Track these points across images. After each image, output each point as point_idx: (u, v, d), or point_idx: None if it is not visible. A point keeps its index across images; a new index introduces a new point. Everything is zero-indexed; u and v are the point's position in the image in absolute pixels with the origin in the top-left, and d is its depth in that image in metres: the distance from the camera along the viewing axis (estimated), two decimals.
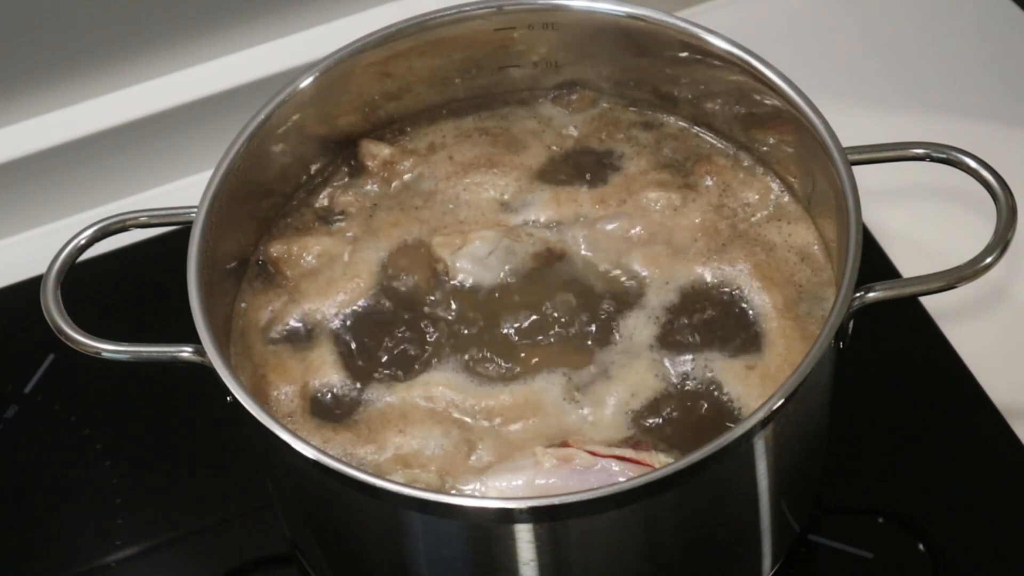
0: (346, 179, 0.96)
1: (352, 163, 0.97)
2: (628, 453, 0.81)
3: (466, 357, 0.87)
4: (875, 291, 0.82)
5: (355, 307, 0.90)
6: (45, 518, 0.98)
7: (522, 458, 0.82)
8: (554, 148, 0.96)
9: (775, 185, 0.94)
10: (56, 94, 1.11)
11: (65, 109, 1.12)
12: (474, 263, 0.90)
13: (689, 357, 0.86)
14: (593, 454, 0.81)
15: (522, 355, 0.87)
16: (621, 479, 0.78)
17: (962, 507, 0.94)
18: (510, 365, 0.87)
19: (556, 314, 0.88)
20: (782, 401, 0.76)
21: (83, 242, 0.88)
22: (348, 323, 0.89)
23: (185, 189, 1.14)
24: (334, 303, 0.90)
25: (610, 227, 0.92)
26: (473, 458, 0.83)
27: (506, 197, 0.94)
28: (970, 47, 1.18)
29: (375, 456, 0.84)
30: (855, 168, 0.85)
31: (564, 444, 0.82)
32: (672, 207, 0.92)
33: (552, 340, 0.88)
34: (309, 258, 0.92)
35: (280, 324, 0.90)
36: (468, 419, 0.85)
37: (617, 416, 0.84)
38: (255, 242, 0.93)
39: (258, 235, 0.94)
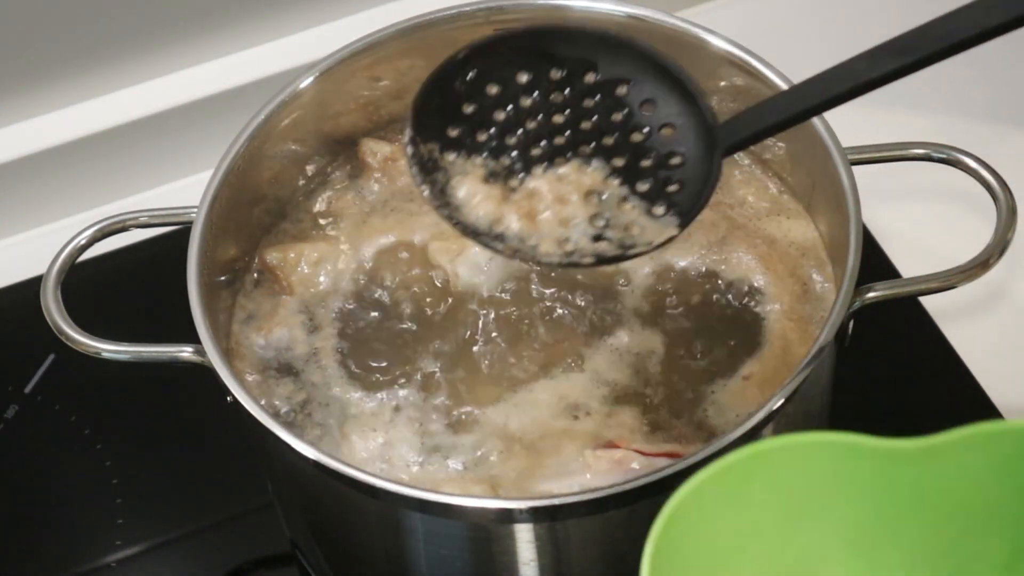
0: (346, 179, 0.96)
1: (353, 162, 0.97)
2: (677, 449, 0.81)
3: (466, 361, 0.87)
4: (875, 291, 0.82)
5: (353, 310, 0.90)
6: (45, 518, 0.98)
7: (571, 461, 0.82)
8: None
9: (774, 185, 0.94)
10: (56, 94, 1.11)
11: (65, 109, 1.12)
12: (473, 269, 0.90)
13: (691, 357, 0.86)
14: (642, 453, 0.81)
15: (525, 358, 0.87)
16: None
17: None
18: (513, 368, 0.87)
19: (556, 317, 0.88)
20: (782, 401, 0.76)
21: (83, 242, 0.88)
22: (346, 327, 0.89)
23: (185, 189, 1.14)
24: (332, 306, 0.90)
25: None
26: (478, 454, 0.84)
27: None
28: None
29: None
30: (855, 168, 0.85)
31: (610, 445, 0.82)
32: None
33: (553, 342, 0.88)
34: (307, 260, 0.92)
35: (279, 326, 0.90)
36: (471, 420, 0.85)
37: (620, 417, 0.84)
38: (255, 241, 0.93)
39: (258, 234, 0.94)
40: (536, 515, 0.76)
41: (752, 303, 0.88)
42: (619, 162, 0.76)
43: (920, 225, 1.06)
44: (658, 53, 0.76)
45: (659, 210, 0.75)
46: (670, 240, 0.75)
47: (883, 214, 1.06)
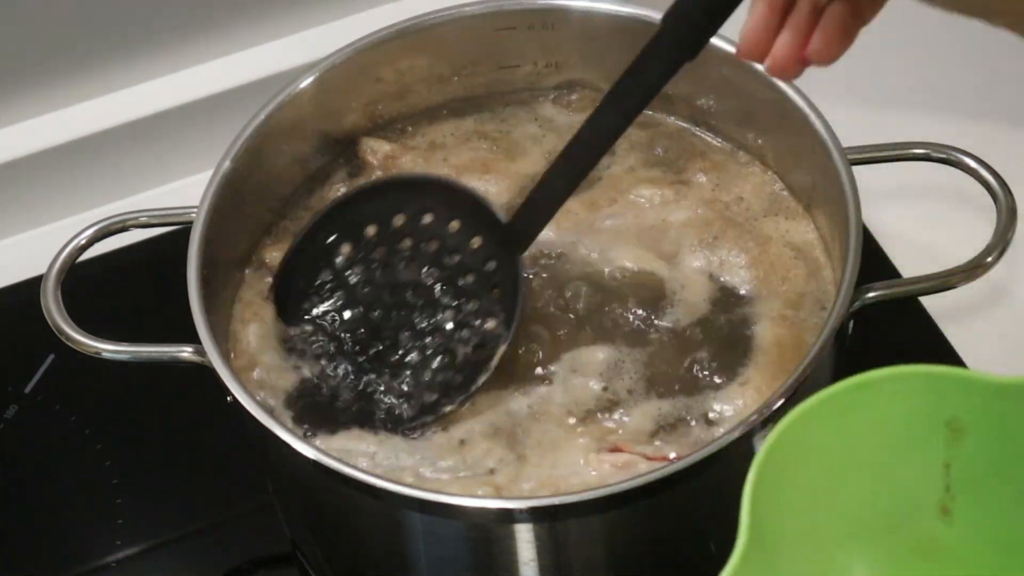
0: (346, 178, 0.96)
1: (353, 162, 0.97)
2: (679, 453, 0.81)
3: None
4: (875, 291, 0.82)
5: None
6: (45, 518, 0.98)
7: (575, 464, 0.82)
8: (552, 154, 0.96)
9: (774, 185, 0.94)
10: (56, 94, 1.11)
11: (65, 109, 1.12)
12: None
13: (691, 360, 0.86)
14: (646, 457, 0.81)
15: (527, 359, 0.87)
16: None
17: None
18: (516, 369, 0.86)
19: (557, 320, 0.88)
20: (782, 401, 0.76)
21: (83, 242, 0.88)
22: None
23: (185, 189, 1.13)
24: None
25: (605, 226, 0.92)
26: (480, 455, 0.84)
27: (502, 203, 0.94)
28: (970, 47, 1.17)
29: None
30: (855, 168, 0.85)
31: (615, 449, 0.82)
32: (664, 203, 0.92)
33: (554, 345, 0.87)
34: None
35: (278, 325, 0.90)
36: (473, 420, 0.85)
37: (623, 422, 0.84)
38: (256, 241, 0.93)
39: (258, 235, 0.94)
40: (536, 515, 0.76)
41: (749, 306, 0.88)
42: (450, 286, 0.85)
43: (920, 225, 1.06)
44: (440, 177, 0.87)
45: (491, 323, 0.84)
46: (500, 355, 0.83)
47: (883, 214, 1.06)
